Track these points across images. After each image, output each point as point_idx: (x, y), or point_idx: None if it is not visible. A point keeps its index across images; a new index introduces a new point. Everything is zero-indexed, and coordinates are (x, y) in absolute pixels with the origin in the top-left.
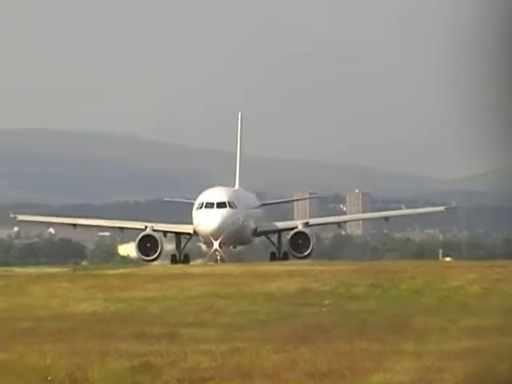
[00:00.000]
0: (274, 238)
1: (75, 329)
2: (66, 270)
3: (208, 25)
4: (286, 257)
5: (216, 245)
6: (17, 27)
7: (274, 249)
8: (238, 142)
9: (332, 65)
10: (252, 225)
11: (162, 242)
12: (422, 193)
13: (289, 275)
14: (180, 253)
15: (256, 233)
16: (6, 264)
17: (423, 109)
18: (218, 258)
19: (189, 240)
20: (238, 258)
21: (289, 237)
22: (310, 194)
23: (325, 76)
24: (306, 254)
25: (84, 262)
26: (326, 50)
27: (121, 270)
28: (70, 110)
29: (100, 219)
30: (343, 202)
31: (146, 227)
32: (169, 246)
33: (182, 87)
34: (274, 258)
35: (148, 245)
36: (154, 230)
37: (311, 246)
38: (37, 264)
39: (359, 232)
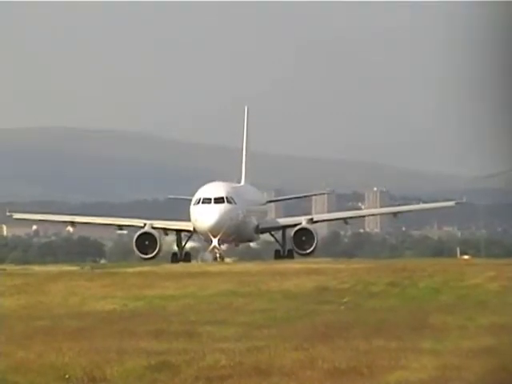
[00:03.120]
0: (280, 235)
1: (93, 327)
2: (84, 268)
3: (225, 24)
4: (290, 255)
5: (215, 242)
6: (22, 28)
7: (278, 246)
8: (244, 137)
9: (348, 63)
10: (254, 221)
11: (160, 240)
12: (441, 191)
13: (307, 273)
14: (181, 251)
15: (258, 230)
16: (25, 262)
17: (442, 106)
18: (217, 255)
19: (189, 237)
20: (242, 256)
21: (292, 233)
22: (327, 191)
23: (341, 74)
24: (310, 251)
25: (102, 261)
26: (338, 47)
27: (139, 268)
28: (87, 109)
29: (100, 217)
30: (362, 199)
31: (145, 224)
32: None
33: (195, 86)
34: (278, 255)
35: (146, 242)
36: (153, 228)
37: (315, 242)
38: (55, 262)
39: (377, 230)
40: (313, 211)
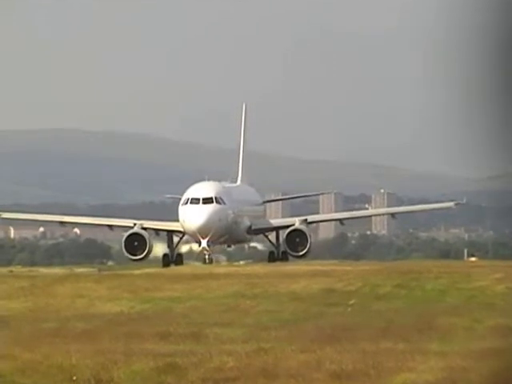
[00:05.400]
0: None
1: (100, 329)
2: (91, 270)
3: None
4: (285, 257)
5: (204, 243)
6: (34, 29)
7: (272, 248)
8: (241, 135)
9: (354, 64)
10: (246, 222)
11: (150, 241)
12: (448, 192)
13: (313, 275)
14: (172, 252)
15: (251, 231)
16: (32, 264)
17: (446, 108)
18: (206, 257)
19: (181, 238)
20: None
21: (285, 235)
22: (334, 193)
23: (348, 76)
24: (303, 253)
25: (109, 263)
26: (342, 48)
27: (146, 270)
28: (96, 111)
29: (90, 217)
30: (369, 201)
31: (135, 225)
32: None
33: (205, 88)
34: (272, 257)
35: (135, 243)
36: (143, 228)
37: (308, 244)
38: (62, 264)
39: (384, 232)
40: (320, 213)
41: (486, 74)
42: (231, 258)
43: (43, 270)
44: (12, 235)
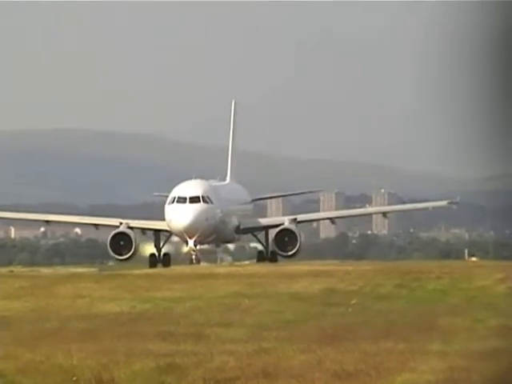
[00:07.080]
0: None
1: (101, 329)
2: (92, 270)
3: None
4: (274, 257)
5: (191, 243)
6: (34, 29)
7: (261, 247)
8: (230, 133)
9: (355, 64)
10: (234, 221)
11: (136, 241)
12: (448, 192)
13: (314, 275)
14: (159, 252)
15: (239, 230)
16: (33, 264)
17: (449, 108)
18: (193, 257)
19: (168, 238)
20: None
21: (274, 234)
22: (335, 193)
23: (348, 75)
24: (292, 253)
25: (110, 263)
26: (343, 48)
27: (147, 270)
28: (96, 111)
29: (75, 215)
30: (369, 201)
31: (121, 224)
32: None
33: (207, 88)
34: (261, 257)
35: (121, 243)
36: (129, 228)
37: (298, 244)
38: (63, 264)
39: (385, 232)
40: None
41: (483, 73)
42: (234, 258)
43: (44, 270)
44: (13, 235)
